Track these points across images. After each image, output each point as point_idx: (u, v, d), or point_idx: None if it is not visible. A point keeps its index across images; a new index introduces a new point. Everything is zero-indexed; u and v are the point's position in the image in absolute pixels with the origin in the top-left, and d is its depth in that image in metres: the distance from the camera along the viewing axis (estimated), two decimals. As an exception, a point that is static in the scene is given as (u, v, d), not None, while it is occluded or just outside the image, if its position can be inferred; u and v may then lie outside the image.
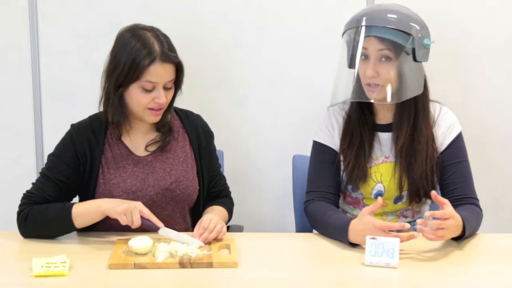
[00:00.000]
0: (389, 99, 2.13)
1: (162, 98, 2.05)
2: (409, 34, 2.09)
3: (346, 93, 2.17)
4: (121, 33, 2.10)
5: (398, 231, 1.96)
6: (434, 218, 1.92)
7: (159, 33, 2.09)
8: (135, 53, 2.02)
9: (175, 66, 2.08)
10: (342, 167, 2.24)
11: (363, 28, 2.10)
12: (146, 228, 1.99)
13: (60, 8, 2.76)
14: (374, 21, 2.10)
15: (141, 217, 1.97)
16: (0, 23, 2.77)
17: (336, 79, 2.22)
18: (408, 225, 1.93)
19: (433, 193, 1.95)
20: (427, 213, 1.90)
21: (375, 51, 2.10)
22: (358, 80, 2.15)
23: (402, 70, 2.11)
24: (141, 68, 2.01)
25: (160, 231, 1.99)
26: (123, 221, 1.95)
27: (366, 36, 2.10)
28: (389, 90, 2.12)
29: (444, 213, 1.90)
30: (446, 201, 1.95)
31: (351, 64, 2.17)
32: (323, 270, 1.87)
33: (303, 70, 2.79)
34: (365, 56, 2.12)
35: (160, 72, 2.03)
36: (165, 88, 2.07)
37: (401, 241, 1.90)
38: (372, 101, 2.14)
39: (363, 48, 2.11)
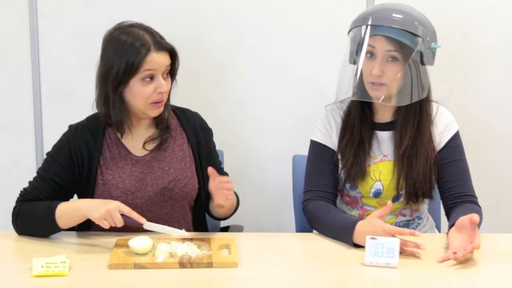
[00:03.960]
0: (393, 101, 2.13)
1: (163, 86, 2.06)
2: (418, 37, 2.08)
3: (350, 91, 2.17)
4: (108, 34, 2.10)
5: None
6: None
7: (144, 26, 2.11)
8: (129, 48, 2.03)
9: (169, 52, 2.09)
10: (340, 166, 2.24)
11: (374, 26, 2.09)
12: (130, 225, 1.98)
13: (60, 8, 2.76)
14: (385, 20, 2.09)
15: (124, 215, 1.96)
16: (0, 23, 2.77)
17: (341, 75, 2.21)
18: (418, 233, 1.93)
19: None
20: (451, 256, 1.86)
21: (383, 51, 2.09)
22: (361, 79, 2.15)
23: (408, 72, 2.11)
24: (138, 61, 2.02)
25: (144, 227, 1.99)
26: (105, 225, 1.95)
27: (375, 35, 2.09)
28: (393, 91, 2.12)
29: (474, 247, 1.88)
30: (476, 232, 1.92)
31: (356, 62, 2.16)
32: (323, 270, 1.87)
33: (303, 70, 2.79)
34: (371, 54, 2.11)
35: (157, 60, 2.05)
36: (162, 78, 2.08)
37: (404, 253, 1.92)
38: (374, 101, 2.14)
39: (370, 46, 2.10)
